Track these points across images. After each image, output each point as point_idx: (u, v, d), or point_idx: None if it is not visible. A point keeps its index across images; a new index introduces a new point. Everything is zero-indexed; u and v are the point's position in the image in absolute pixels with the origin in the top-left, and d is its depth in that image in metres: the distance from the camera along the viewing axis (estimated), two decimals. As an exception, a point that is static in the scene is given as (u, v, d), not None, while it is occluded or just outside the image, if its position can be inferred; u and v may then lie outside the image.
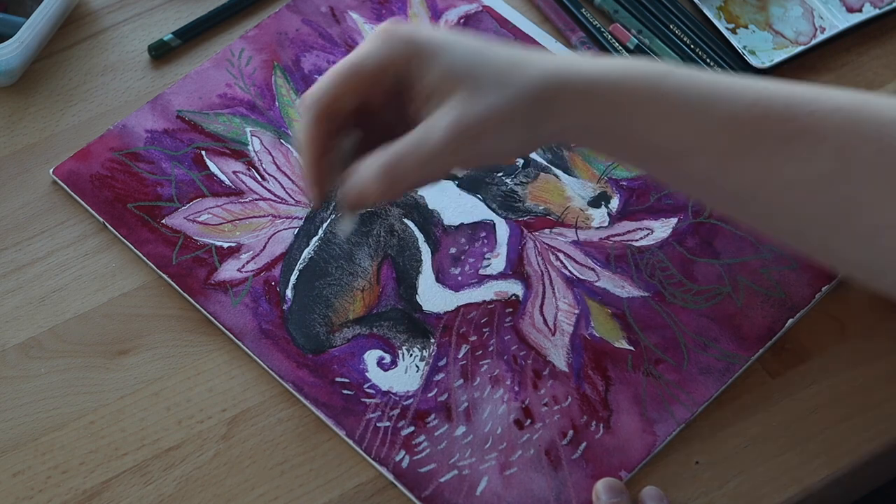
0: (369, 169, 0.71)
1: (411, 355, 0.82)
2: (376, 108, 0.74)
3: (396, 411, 0.80)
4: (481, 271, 0.85)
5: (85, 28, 0.96)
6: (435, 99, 0.71)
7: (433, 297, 0.84)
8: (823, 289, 0.84)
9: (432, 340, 0.83)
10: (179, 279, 0.84)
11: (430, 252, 0.86)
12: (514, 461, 0.78)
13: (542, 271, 0.85)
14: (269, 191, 0.88)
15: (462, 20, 0.96)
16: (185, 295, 0.84)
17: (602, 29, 0.96)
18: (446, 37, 0.73)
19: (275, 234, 0.86)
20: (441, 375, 0.81)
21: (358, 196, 0.72)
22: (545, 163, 0.89)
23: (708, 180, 0.73)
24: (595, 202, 0.88)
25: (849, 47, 0.96)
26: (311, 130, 0.72)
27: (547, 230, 0.87)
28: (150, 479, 0.78)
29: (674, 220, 0.87)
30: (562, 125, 0.72)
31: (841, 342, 0.83)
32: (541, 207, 0.88)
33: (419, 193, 0.88)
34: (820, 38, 0.95)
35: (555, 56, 0.74)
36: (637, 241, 0.87)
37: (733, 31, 0.96)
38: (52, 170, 0.88)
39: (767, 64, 0.94)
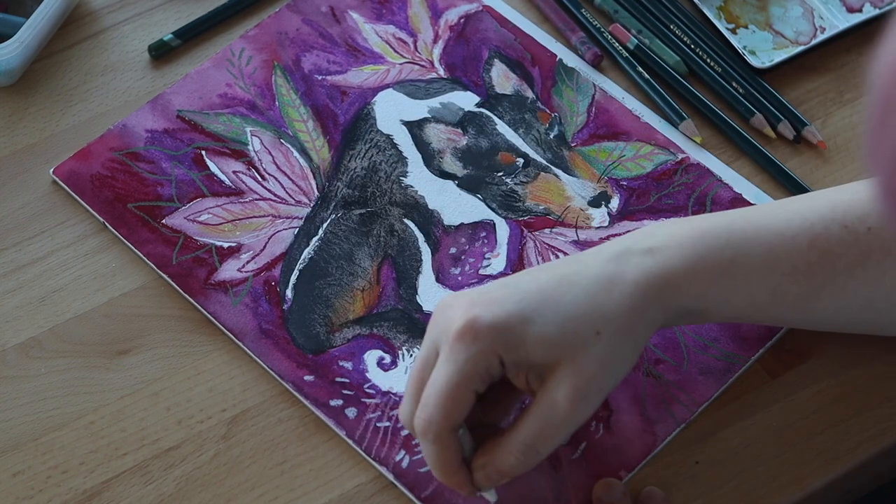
0: (506, 457, 0.73)
1: (411, 355, 0.82)
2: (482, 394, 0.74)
3: (396, 411, 0.80)
4: (481, 271, 0.85)
5: (85, 28, 0.96)
6: (536, 370, 0.72)
7: (433, 297, 0.84)
8: (823, 289, 0.84)
9: (432, 340, 0.82)
10: (179, 279, 0.84)
11: (430, 252, 0.86)
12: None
13: (542, 271, 0.85)
14: (269, 191, 0.88)
15: (462, 20, 0.96)
16: (185, 295, 0.84)
17: (602, 29, 0.96)
18: (524, 304, 0.72)
19: (275, 234, 0.86)
20: (441, 375, 0.81)
21: (500, 478, 0.74)
22: (545, 162, 0.89)
23: (793, 320, 0.79)
24: (595, 202, 0.88)
25: (849, 47, 0.96)
26: (442, 454, 0.73)
27: (547, 230, 0.87)
28: (150, 479, 0.78)
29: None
30: (654, 327, 0.75)
31: (841, 342, 0.83)
32: (541, 207, 0.88)
33: (419, 193, 0.88)
34: (820, 38, 0.95)
35: (618, 264, 0.74)
36: (637, 241, 0.86)
37: (733, 31, 0.96)
38: (52, 170, 0.88)
39: (767, 64, 0.94)
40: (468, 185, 0.89)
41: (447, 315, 0.72)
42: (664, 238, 0.75)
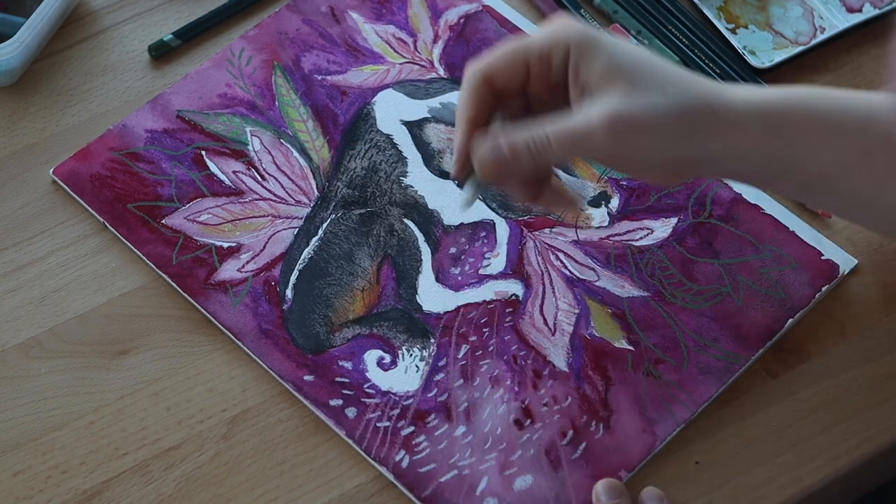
0: (518, 136, 0.73)
1: (411, 355, 0.82)
2: (536, 92, 0.75)
3: (396, 411, 0.80)
4: (481, 271, 0.85)
5: (85, 28, 0.96)
6: (594, 89, 0.72)
7: (433, 296, 0.84)
8: (823, 289, 0.84)
9: (432, 340, 0.83)
10: (179, 279, 0.84)
11: (430, 252, 0.86)
12: (514, 461, 0.78)
13: (542, 271, 0.85)
14: (268, 191, 0.88)
15: (462, 20, 0.96)
16: (185, 295, 0.84)
17: (601, 30, 0.96)
18: (614, 38, 0.75)
19: (275, 234, 0.86)
20: (441, 375, 0.81)
21: (502, 160, 0.74)
22: (545, 163, 0.89)
23: (868, 201, 0.75)
24: (595, 202, 0.88)
25: (849, 47, 0.96)
26: (472, 96, 0.74)
27: (547, 230, 0.87)
28: (150, 479, 0.78)
29: (674, 220, 0.87)
30: (717, 148, 0.73)
31: (841, 342, 0.83)
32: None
33: (419, 193, 0.88)
34: (820, 38, 0.95)
35: (710, 80, 0.75)
36: (637, 240, 0.87)
37: (733, 31, 0.96)
38: (52, 170, 0.88)
39: (767, 64, 0.94)
40: (468, 185, 0.89)
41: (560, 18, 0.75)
42: (763, 89, 0.75)
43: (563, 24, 0.74)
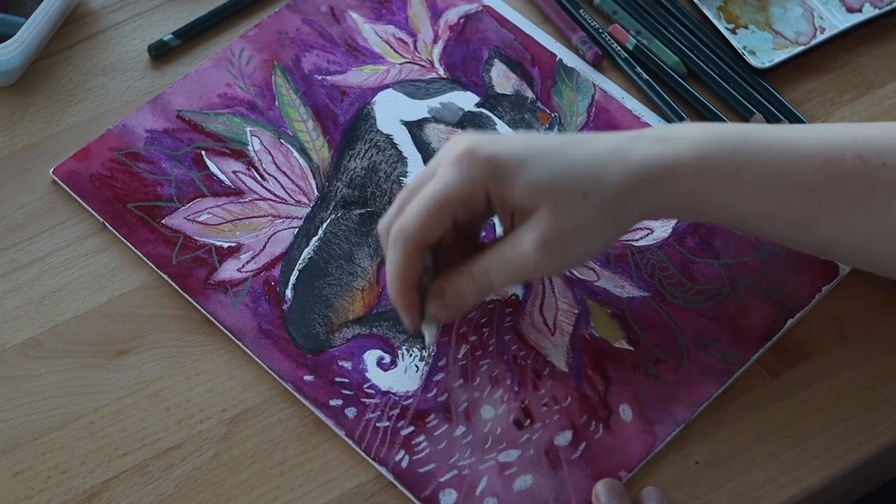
0: (461, 281, 0.77)
1: (411, 355, 0.82)
2: (460, 225, 0.77)
3: (396, 411, 0.80)
4: (481, 271, 0.85)
5: (85, 28, 0.96)
6: (521, 214, 0.75)
7: (433, 297, 0.84)
8: (823, 289, 0.84)
9: (432, 340, 0.83)
10: (179, 279, 0.84)
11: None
12: (514, 461, 0.78)
13: (541, 271, 0.85)
14: (268, 191, 0.88)
15: (462, 20, 0.96)
16: (185, 295, 0.84)
17: (601, 30, 0.96)
18: (526, 149, 0.75)
19: (274, 233, 0.86)
20: (441, 375, 0.81)
21: (454, 306, 0.77)
22: (545, 163, 0.89)
23: (790, 239, 0.79)
24: (595, 202, 0.88)
25: (849, 47, 0.96)
26: (403, 265, 0.76)
27: (547, 230, 0.87)
28: (150, 479, 0.78)
29: (673, 220, 0.87)
30: (643, 212, 0.76)
31: (841, 342, 0.83)
32: (541, 207, 0.88)
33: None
34: (820, 38, 0.95)
35: (629, 142, 0.76)
36: (637, 240, 0.87)
37: (733, 31, 0.96)
38: (52, 170, 0.88)
39: (767, 64, 0.94)
40: (468, 185, 0.89)
41: (453, 143, 0.75)
42: (680, 131, 0.76)
43: (472, 160, 0.74)
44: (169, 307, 0.84)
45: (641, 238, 0.87)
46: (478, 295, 0.77)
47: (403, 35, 0.95)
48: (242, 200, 0.88)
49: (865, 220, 0.75)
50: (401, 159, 0.90)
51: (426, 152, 0.90)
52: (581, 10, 0.96)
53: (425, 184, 0.75)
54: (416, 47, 0.95)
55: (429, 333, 0.79)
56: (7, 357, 0.82)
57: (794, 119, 0.91)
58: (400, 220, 0.75)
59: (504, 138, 0.78)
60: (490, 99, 0.92)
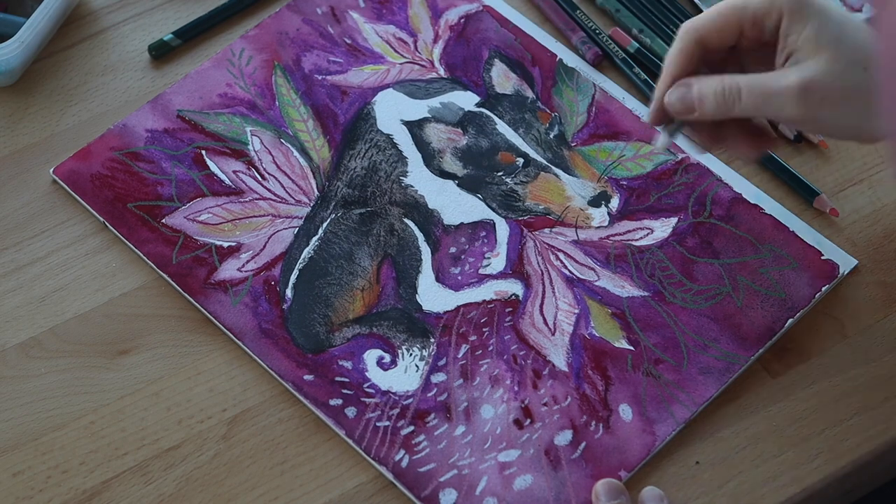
0: (711, 83, 0.77)
1: (411, 355, 0.82)
2: (744, 51, 0.78)
3: (396, 411, 0.80)
4: (481, 271, 0.85)
5: (85, 28, 0.96)
6: (797, 55, 0.75)
7: (433, 296, 0.84)
8: (823, 289, 0.84)
9: (432, 340, 0.83)
10: (179, 279, 0.84)
11: (430, 252, 0.86)
12: (514, 461, 0.78)
13: (541, 271, 0.85)
14: (269, 190, 0.88)
15: (462, 20, 0.96)
16: (185, 295, 0.84)
17: (600, 31, 0.95)
18: (827, 2, 0.76)
19: (275, 233, 0.86)
20: (441, 375, 0.81)
21: (689, 102, 0.78)
22: (545, 162, 0.89)
23: None
24: (595, 202, 0.88)
25: (849, 47, 0.96)
26: (683, 52, 0.78)
27: (547, 230, 0.87)
28: (150, 479, 0.78)
29: (674, 220, 0.87)
30: None
31: (841, 342, 0.83)
32: (541, 207, 0.88)
33: (419, 193, 0.88)
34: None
35: None
36: (637, 240, 0.87)
37: (734, 31, 0.96)
38: (52, 169, 0.88)
39: (768, 63, 0.94)
40: (468, 184, 0.89)
41: None
42: None
43: None
44: (169, 307, 0.84)
45: (641, 238, 0.87)
46: (718, 107, 0.77)
47: (404, 35, 0.95)
48: (242, 200, 0.88)
49: None
50: (401, 159, 0.90)
51: (426, 152, 0.90)
52: (577, 11, 0.96)
53: None
54: (416, 47, 0.95)
55: (662, 136, 0.80)
56: (7, 357, 0.82)
57: (795, 119, 0.92)
58: (694, 17, 0.78)
59: None
60: (490, 99, 0.92)
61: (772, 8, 0.76)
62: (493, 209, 0.88)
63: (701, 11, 0.96)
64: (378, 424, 0.79)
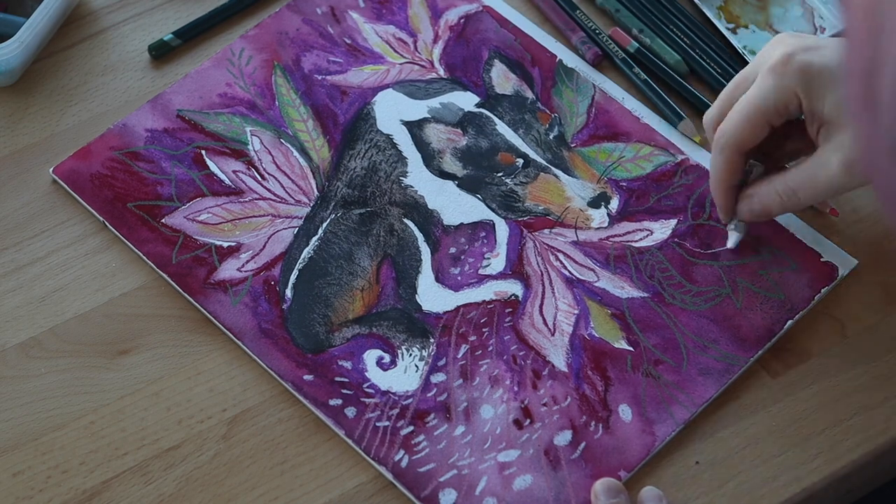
0: (769, 191, 0.82)
1: (411, 355, 0.82)
2: (778, 132, 0.81)
3: (396, 411, 0.80)
4: (481, 271, 0.85)
5: (85, 28, 0.96)
6: (828, 129, 0.77)
7: (433, 296, 0.84)
8: (823, 290, 0.84)
9: (432, 340, 0.83)
10: (179, 279, 0.84)
11: (429, 252, 0.86)
12: (513, 461, 0.78)
13: (541, 271, 0.85)
14: (268, 190, 0.88)
15: (462, 20, 0.96)
16: (185, 294, 0.84)
17: (598, 30, 0.95)
18: (828, 62, 0.78)
19: (274, 233, 0.86)
20: (440, 375, 0.81)
21: (759, 213, 0.83)
22: (545, 163, 0.89)
23: None
24: (595, 202, 0.88)
25: (849, 47, 0.96)
26: (725, 169, 0.83)
27: (547, 230, 0.87)
28: (150, 479, 0.78)
29: (673, 222, 0.87)
30: None
31: (841, 342, 0.83)
32: (540, 207, 0.88)
33: (419, 193, 0.88)
34: (820, 37, 0.95)
35: None
36: (637, 241, 0.87)
37: (733, 31, 0.96)
38: (52, 169, 0.88)
39: (767, 64, 0.94)
40: (468, 185, 0.89)
41: (773, 47, 0.80)
42: None
43: (787, 69, 0.78)
44: (169, 307, 0.84)
45: (641, 239, 0.87)
46: (783, 209, 0.82)
47: (403, 35, 0.95)
48: (242, 200, 0.88)
49: None
50: (401, 159, 0.90)
51: (426, 152, 0.90)
52: (577, 11, 0.96)
53: (746, 83, 0.81)
54: (416, 47, 0.95)
55: (732, 235, 0.85)
56: (7, 357, 0.82)
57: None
58: (723, 126, 0.81)
59: (823, 44, 0.79)
60: (490, 99, 0.92)
61: (788, 94, 0.78)
62: (492, 210, 0.88)
63: (700, 11, 0.97)
64: (378, 424, 0.79)
